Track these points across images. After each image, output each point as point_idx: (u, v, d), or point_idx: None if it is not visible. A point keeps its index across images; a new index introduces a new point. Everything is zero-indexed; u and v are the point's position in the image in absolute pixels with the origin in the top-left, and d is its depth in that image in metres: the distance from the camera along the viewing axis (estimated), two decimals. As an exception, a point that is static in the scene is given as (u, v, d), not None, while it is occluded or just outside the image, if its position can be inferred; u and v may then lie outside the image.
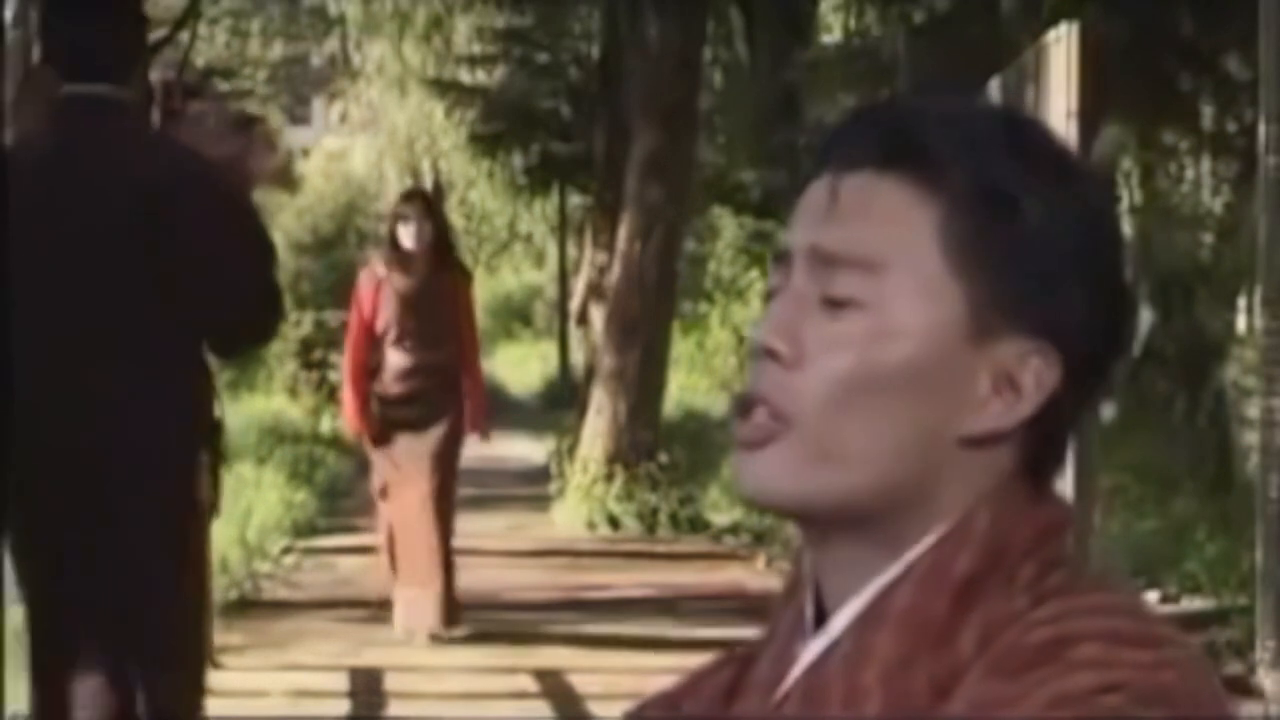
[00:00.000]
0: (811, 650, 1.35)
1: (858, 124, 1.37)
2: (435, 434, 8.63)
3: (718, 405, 17.99)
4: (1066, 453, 1.37)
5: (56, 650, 4.27)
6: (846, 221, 1.33)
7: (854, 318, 1.31)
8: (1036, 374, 1.32)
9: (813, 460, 1.31)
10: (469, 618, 9.27)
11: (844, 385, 1.31)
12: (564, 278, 26.77)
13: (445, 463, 8.71)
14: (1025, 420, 1.32)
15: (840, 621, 1.34)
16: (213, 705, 7.63)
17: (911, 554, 1.32)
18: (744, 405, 1.34)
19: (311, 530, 12.92)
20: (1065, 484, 7.28)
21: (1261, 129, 7.84)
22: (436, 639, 8.66)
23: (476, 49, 23.28)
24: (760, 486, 1.33)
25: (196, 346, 4.41)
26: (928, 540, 1.32)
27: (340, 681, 7.75)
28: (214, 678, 8.08)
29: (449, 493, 8.80)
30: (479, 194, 27.83)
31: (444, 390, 8.67)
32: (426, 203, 8.94)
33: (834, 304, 1.32)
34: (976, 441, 1.32)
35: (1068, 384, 1.33)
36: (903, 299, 1.31)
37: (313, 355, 21.01)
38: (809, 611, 1.37)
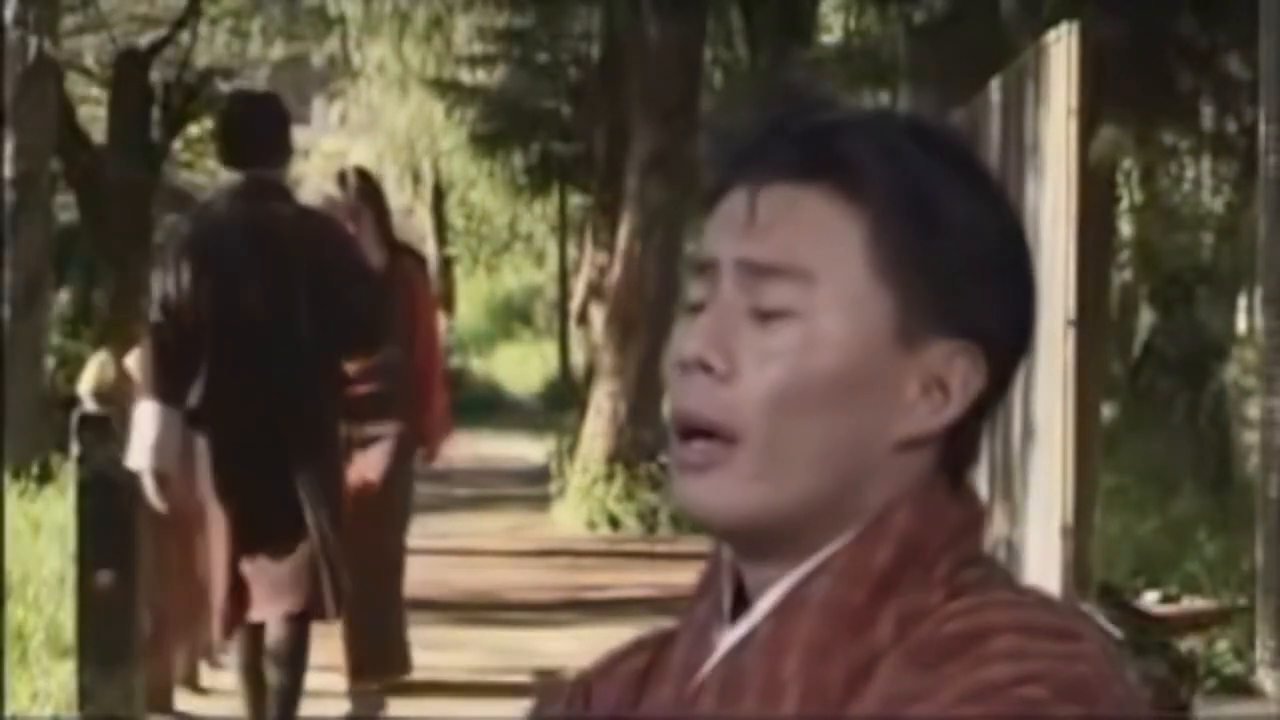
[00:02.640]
0: (729, 638, 1.36)
1: (770, 137, 1.37)
2: (376, 445, 7.40)
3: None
4: (981, 448, 1.39)
5: (257, 539, 6.20)
6: (772, 233, 1.34)
7: (786, 328, 1.32)
8: (963, 375, 1.34)
9: (758, 476, 1.33)
10: (471, 617, 9.28)
11: (779, 396, 1.32)
12: (564, 278, 26.77)
13: (387, 478, 7.48)
14: (951, 422, 1.34)
15: (759, 611, 1.35)
16: (212, 705, 7.64)
17: (831, 548, 1.33)
18: (681, 425, 1.35)
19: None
20: (1065, 484, 7.28)
21: (1261, 129, 7.84)
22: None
23: (476, 49, 23.25)
24: (710, 508, 1.34)
25: (339, 351, 6.29)
26: (848, 535, 1.33)
27: (340, 681, 7.74)
28: (214, 677, 8.08)
29: (390, 514, 7.60)
30: (479, 194, 27.80)
31: (389, 393, 7.33)
32: (360, 184, 7.50)
33: (765, 315, 1.33)
34: (905, 444, 1.34)
35: (989, 382, 1.35)
36: (832, 309, 1.32)
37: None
38: (726, 601, 1.38)
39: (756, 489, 1.32)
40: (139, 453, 6.14)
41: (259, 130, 6.34)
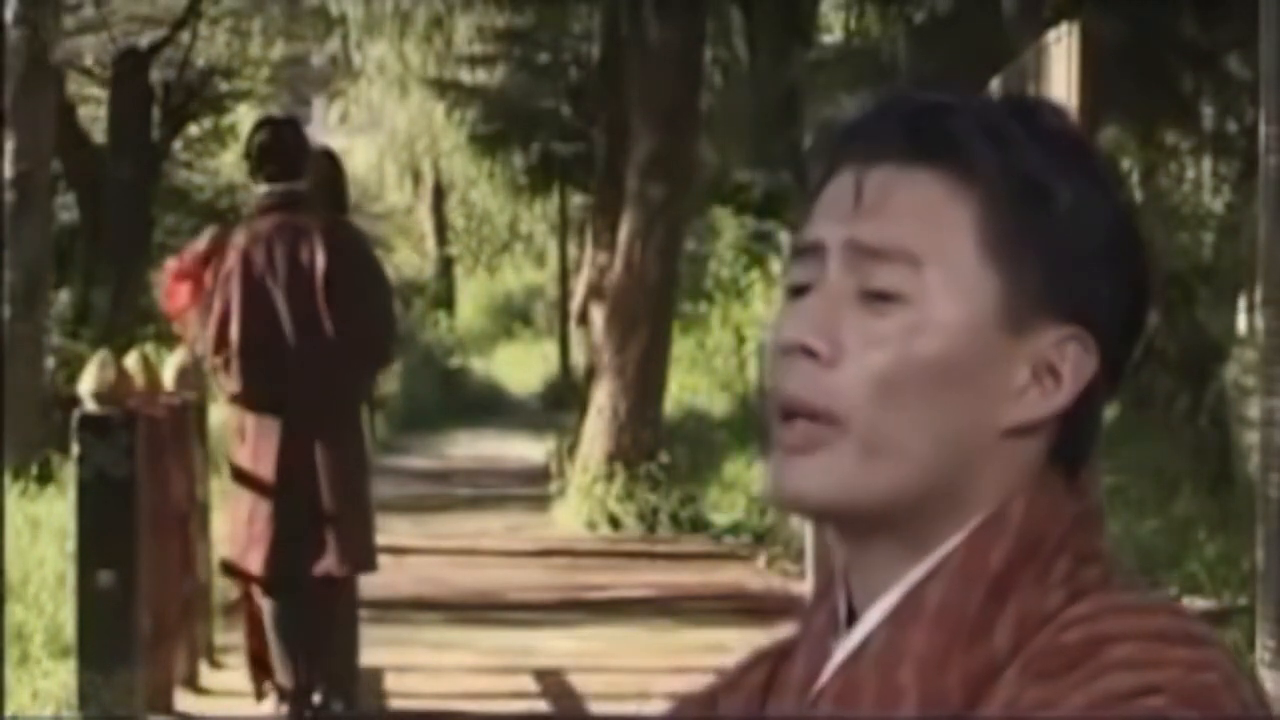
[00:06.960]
0: (845, 647, 1.33)
1: (878, 118, 1.35)
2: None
3: (718, 405, 18.00)
4: (1098, 441, 1.36)
5: (290, 505, 6.96)
6: (881, 215, 1.31)
7: (894, 312, 1.30)
8: (1074, 361, 1.32)
9: (862, 461, 1.30)
10: (471, 617, 9.27)
11: (886, 381, 1.29)
12: (564, 278, 26.77)
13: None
14: (1063, 408, 1.32)
15: (873, 617, 1.32)
16: (212, 705, 7.64)
17: (946, 547, 1.31)
18: (783, 408, 1.32)
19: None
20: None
21: (1262, 129, 7.82)
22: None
23: (476, 49, 23.25)
24: (809, 491, 1.31)
25: (356, 341, 6.98)
26: (962, 533, 1.31)
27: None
28: (214, 678, 8.09)
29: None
30: (479, 194, 27.82)
31: None
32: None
33: (874, 298, 1.30)
34: (1015, 432, 1.31)
35: (1101, 370, 1.33)
36: (941, 293, 1.30)
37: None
38: (841, 609, 1.36)
39: (858, 473, 1.30)
40: None
41: (286, 150, 7.17)
